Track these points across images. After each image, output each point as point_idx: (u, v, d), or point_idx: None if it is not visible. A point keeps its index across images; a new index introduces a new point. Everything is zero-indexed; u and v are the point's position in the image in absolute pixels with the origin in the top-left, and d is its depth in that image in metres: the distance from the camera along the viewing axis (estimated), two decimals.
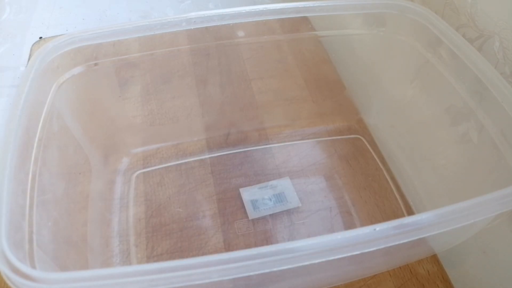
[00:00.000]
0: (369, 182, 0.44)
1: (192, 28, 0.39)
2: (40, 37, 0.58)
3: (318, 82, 0.49)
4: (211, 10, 0.39)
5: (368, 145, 0.47)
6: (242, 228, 0.40)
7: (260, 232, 0.40)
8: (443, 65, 0.39)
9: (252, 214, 0.41)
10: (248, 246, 0.39)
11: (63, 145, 0.38)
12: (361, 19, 0.44)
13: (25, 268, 0.23)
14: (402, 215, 0.40)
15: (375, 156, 0.46)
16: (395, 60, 0.45)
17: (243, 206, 0.41)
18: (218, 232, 0.40)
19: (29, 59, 0.52)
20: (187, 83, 0.47)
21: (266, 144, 0.47)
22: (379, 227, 0.25)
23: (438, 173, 0.40)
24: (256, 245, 0.37)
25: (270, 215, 0.41)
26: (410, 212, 0.41)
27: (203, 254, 0.38)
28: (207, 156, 0.46)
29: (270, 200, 0.41)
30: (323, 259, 0.24)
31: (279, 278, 0.28)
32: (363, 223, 0.40)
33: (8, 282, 0.23)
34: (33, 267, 0.26)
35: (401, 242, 0.25)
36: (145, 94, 0.46)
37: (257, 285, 0.29)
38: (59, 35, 0.37)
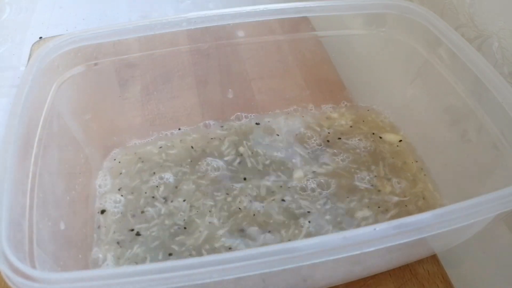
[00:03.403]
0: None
1: (192, 28, 0.39)
2: (40, 37, 0.58)
3: (318, 82, 0.49)
4: (211, 10, 0.39)
5: None
6: None
7: None
8: (442, 65, 0.39)
9: None
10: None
11: (63, 145, 0.38)
12: (361, 19, 0.44)
13: (25, 268, 0.23)
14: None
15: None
16: (395, 60, 0.45)
17: None
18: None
19: (29, 59, 0.52)
20: (187, 83, 0.47)
21: None
22: (379, 227, 0.25)
23: (438, 173, 0.40)
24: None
25: None
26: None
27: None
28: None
29: None
30: (323, 259, 0.24)
31: (279, 277, 0.28)
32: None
33: (8, 282, 0.23)
34: (33, 267, 0.26)
35: (401, 242, 0.25)
36: (145, 94, 0.46)
37: (257, 284, 0.29)
38: (59, 35, 0.37)
